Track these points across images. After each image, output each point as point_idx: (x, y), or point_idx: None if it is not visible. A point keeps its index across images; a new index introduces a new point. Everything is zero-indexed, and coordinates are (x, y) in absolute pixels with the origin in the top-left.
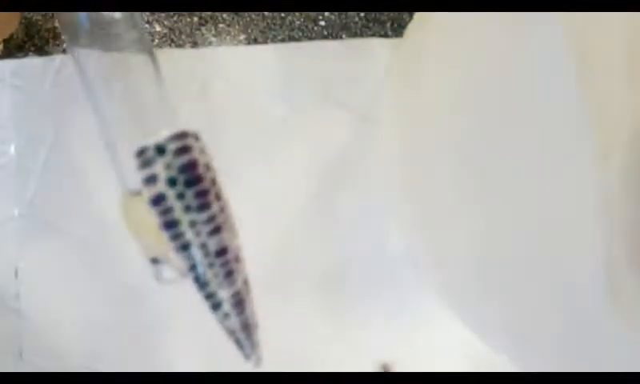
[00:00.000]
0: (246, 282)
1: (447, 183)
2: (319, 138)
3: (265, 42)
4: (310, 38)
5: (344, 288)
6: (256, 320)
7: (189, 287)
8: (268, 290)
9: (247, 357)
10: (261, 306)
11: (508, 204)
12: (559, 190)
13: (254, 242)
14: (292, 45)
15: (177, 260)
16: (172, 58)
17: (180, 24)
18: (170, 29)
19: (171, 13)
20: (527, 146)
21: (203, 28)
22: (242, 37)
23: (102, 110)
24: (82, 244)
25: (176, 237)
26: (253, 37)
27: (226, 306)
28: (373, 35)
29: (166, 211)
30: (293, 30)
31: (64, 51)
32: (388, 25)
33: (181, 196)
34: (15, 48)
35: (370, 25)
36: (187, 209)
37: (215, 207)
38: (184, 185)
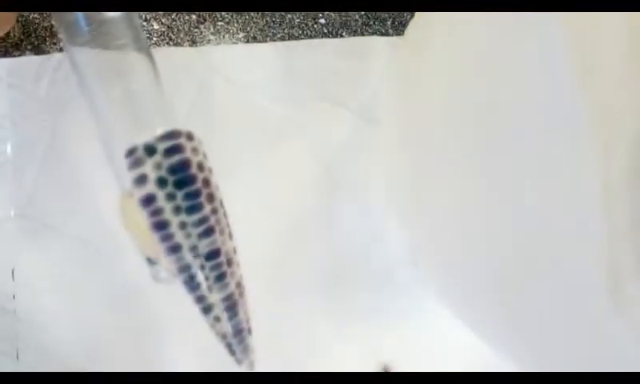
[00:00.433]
0: (239, 286)
1: (448, 183)
2: (319, 136)
3: (264, 40)
4: (310, 37)
5: (344, 288)
6: (250, 325)
7: None
8: (268, 290)
9: (239, 362)
10: (261, 306)
11: (509, 204)
12: (561, 191)
13: (253, 241)
14: (291, 43)
15: (167, 262)
16: (170, 57)
17: (178, 22)
18: (169, 27)
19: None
20: (528, 145)
21: (202, 26)
22: (241, 35)
23: (97, 108)
24: (78, 244)
25: (166, 238)
26: (252, 35)
27: (217, 310)
28: (373, 33)
29: (156, 212)
30: (292, 28)
31: (61, 50)
32: (389, 23)
33: (171, 197)
34: (12, 46)
35: (371, 23)
36: (177, 210)
37: (207, 209)
38: (174, 186)
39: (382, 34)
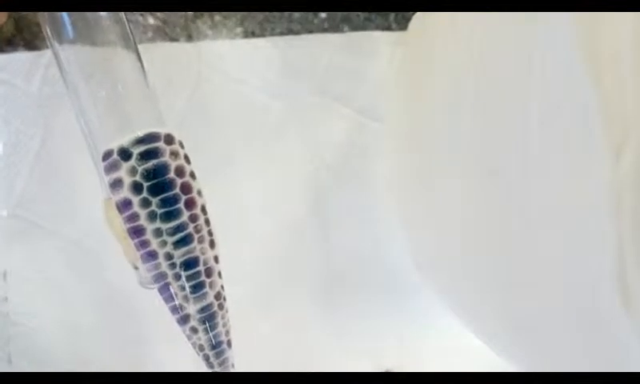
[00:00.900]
0: (218, 297)
1: (451, 182)
2: (318, 133)
3: (262, 35)
4: (310, 31)
5: (344, 289)
6: (229, 338)
7: None
8: (267, 291)
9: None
10: (260, 306)
11: (515, 203)
12: (569, 189)
13: (252, 241)
14: (291, 38)
15: (144, 269)
16: (166, 52)
17: (174, 16)
18: (164, 21)
19: None
20: (535, 143)
21: (199, 21)
22: (239, 30)
23: (82, 108)
24: (70, 246)
25: (142, 245)
26: (250, 30)
27: (194, 321)
28: (376, 28)
29: (132, 218)
30: (292, 22)
31: None
32: (391, 17)
33: (146, 203)
34: (4, 42)
35: (373, 17)
36: (152, 216)
37: (185, 216)
38: (148, 191)
39: (385, 29)
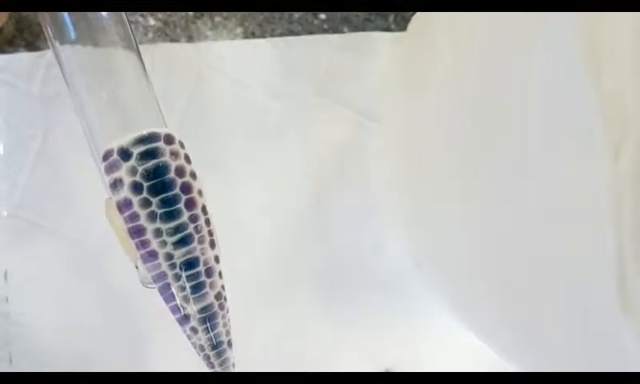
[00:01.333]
0: (219, 297)
1: (451, 183)
2: (318, 134)
3: (262, 35)
4: (310, 32)
5: (344, 289)
6: (230, 338)
7: None
8: (267, 291)
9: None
10: (259, 306)
11: (514, 203)
12: (568, 189)
13: (252, 241)
14: (291, 39)
15: (144, 268)
16: (167, 53)
17: (175, 17)
18: (165, 23)
19: None
20: (534, 144)
21: (199, 21)
22: (239, 30)
23: (83, 108)
24: (71, 246)
25: (142, 245)
26: (250, 30)
27: (194, 322)
28: (375, 29)
29: (132, 218)
30: (292, 23)
31: None
32: (391, 18)
33: (146, 203)
34: (5, 43)
35: (372, 18)
36: (152, 217)
37: (185, 216)
38: (148, 191)
39: (384, 30)
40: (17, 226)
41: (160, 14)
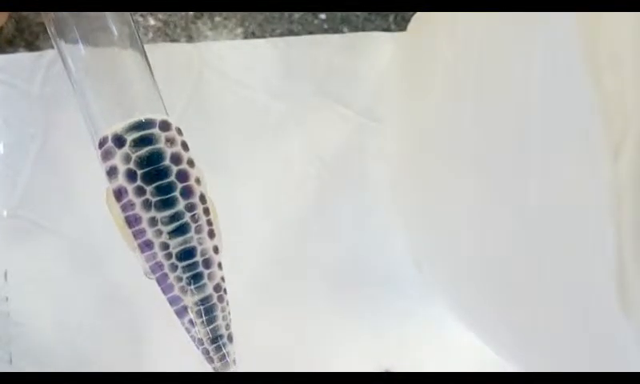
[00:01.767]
0: (218, 289)
1: (452, 183)
2: (318, 134)
3: (262, 35)
4: (310, 32)
5: (344, 289)
6: (230, 332)
7: None
8: (267, 291)
9: (217, 371)
10: (259, 306)
11: (514, 204)
12: (568, 190)
13: (251, 241)
14: (291, 39)
15: (141, 258)
16: (167, 53)
17: (175, 17)
18: (165, 22)
19: None
20: (534, 144)
21: (199, 21)
22: (239, 30)
23: (88, 105)
24: (71, 246)
25: (138, 234)
26: (250, 31)
27: (192, 314)
28: (375, 29)
29: (128, 206)
30: (292, 23)
31: None
32: (391, 18)
33: (140, 191)
34: (5, 43)
35: (372, 18)
36: (147, 205)
37: (181, 205)
38: (142, 179)
39: (384, 30)
40: (17, 225)
41: (160, 14)
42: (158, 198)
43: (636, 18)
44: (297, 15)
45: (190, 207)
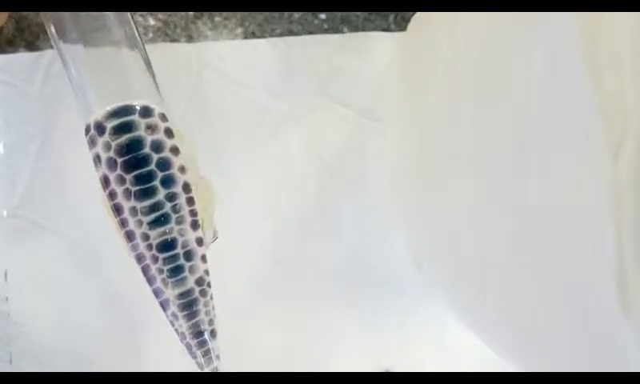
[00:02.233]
0: (201, 282)
1: (452, 183)
2: (318, 134)
3: (262, 35)
4: (310, 32)
5: (343, 289)
6: (214, 328)
7: None
8: (267, 291)
9: (200, 367)
10: (258, 306)
11: (514, 204)
12: (568, 190)
13: (251, 241)
14: (291, 39)
15: (127, 249)
16: (166, 53)
17: (175, 17)
18: (165, 22)
19: None
20: (534, 144)
21: (199, 21)
22: (239, 30)
23: (88, 106)
24: (71, 246)
25: (122, 224)
26: (250, 30)
27: (174, 307)
28: (375, 29)
29: (111, 195)
30: (292, 23)
31: None
32: (391, 18)
33: (120, 180)
34: (5, 43)
35: (372, 18)
36: (127, 194)
37: (161, 194)
38: (122, 168)
39: (384, 30)
40: (17, 225)
41: (160, 14)
42: (138, 188)
43: (636, 17)
44: (297, 15)
45: (171, 197)
